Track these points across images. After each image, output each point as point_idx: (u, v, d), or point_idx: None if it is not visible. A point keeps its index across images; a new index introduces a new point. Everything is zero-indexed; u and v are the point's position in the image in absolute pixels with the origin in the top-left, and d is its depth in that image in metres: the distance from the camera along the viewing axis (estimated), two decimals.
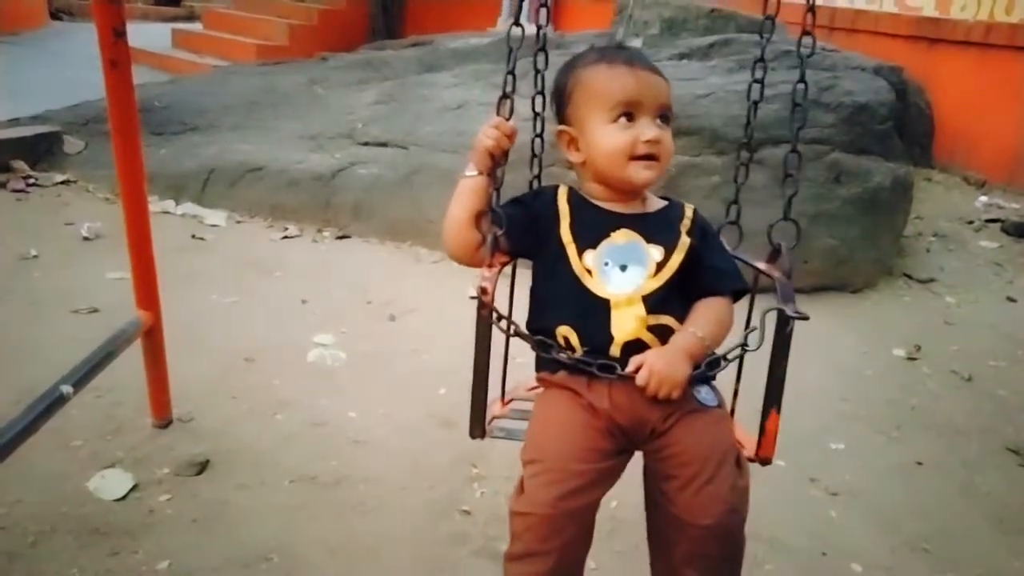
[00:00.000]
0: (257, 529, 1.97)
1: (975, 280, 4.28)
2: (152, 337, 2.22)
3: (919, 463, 2.55)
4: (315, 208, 4.28)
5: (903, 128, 4.78)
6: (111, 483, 2.08)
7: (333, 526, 2.01)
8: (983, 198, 5.67)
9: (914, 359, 3.30)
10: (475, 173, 1.20)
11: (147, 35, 8.57)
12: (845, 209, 3.86)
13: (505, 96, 1.17)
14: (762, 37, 1.28)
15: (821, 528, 2.19)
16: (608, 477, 1.14)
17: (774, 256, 1.26)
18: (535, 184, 1.36)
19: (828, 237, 3.81)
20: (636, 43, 5.42)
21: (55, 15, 11.06)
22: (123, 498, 2.04)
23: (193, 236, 3.97)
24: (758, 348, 1.20)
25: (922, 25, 6.35)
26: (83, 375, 1.88)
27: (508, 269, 1.33)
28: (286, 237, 4.12)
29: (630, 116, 1.16)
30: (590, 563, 1.93)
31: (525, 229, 1.21)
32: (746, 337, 1.21)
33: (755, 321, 1.23)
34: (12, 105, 5.39)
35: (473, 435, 1.26)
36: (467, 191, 1.20)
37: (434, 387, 2.70)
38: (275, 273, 3.63)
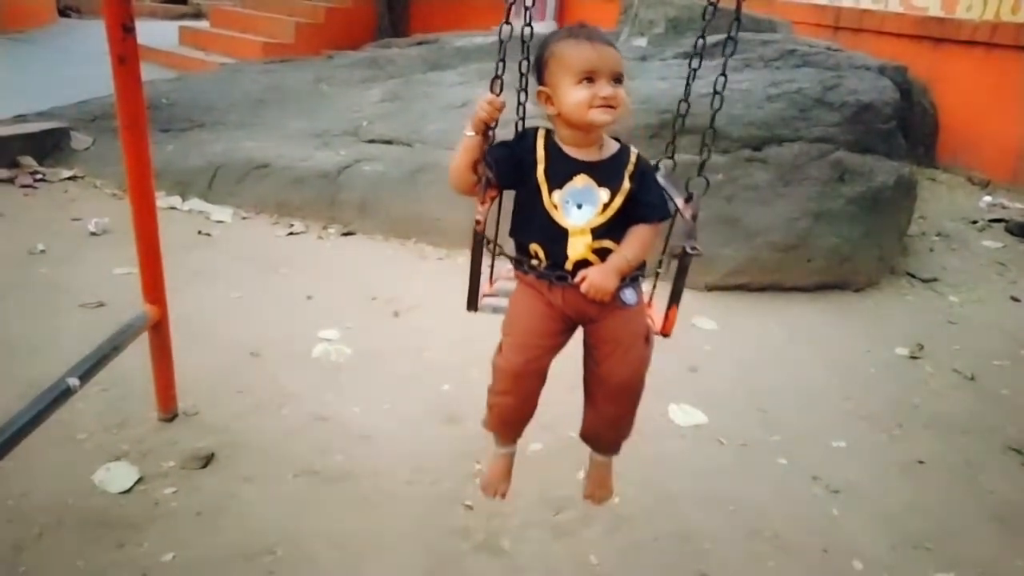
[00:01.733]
0: (262, 522, 1.99)
1: (978, 280, 4.27)
2: (158, 331, 2.24)
3: (921, 462, 2.55)
4: (320, 205, 4.29)
5: (907, 127, 4.77)
6: (117, 476, 2.10)
7: (337, 519, 2.03)
8: (987, 198, 5.67)
9: (917, 358, 3.30)
10: (472, 134, 1.54)
11: (154, 33, 8.60)
12: (849, 208, 3.87)
13: (497, 77, 1.51)
14: (704, 18, 1.57)
15: (823, 526, 2.20)
16: (558, 347, 1.62)
17: (688, 200, 1.63)
18: (520, 126, 1.66)
19: (831, 236, 3.81)
20: (641, 42, 5.42)
21: (63, 12, 11.08)
22: (128, 491, 2.06)
23: (199, 232, 3.99)
24: (665, 271, 1.70)
25: (927, 25, 6.34)
26: (89, 368, 1.89)
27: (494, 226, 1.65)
28: (292, 233, 4.14)
29: (590, 79, 1.48)
30: (591, 558, 1.97)
31: (510, 169, 1.56)
32: (660, 262, 1.74)
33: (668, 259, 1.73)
34: (20, 101, 5.41)
35: (469, 309, 1.71)
36: (466, 147, 1.55)
37: (438, 383, 2.72)
38: (280, 269, 3.65)
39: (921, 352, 3.34)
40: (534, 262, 1.58)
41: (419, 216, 4.12)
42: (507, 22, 1.47)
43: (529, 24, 1.55)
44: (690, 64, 1.63)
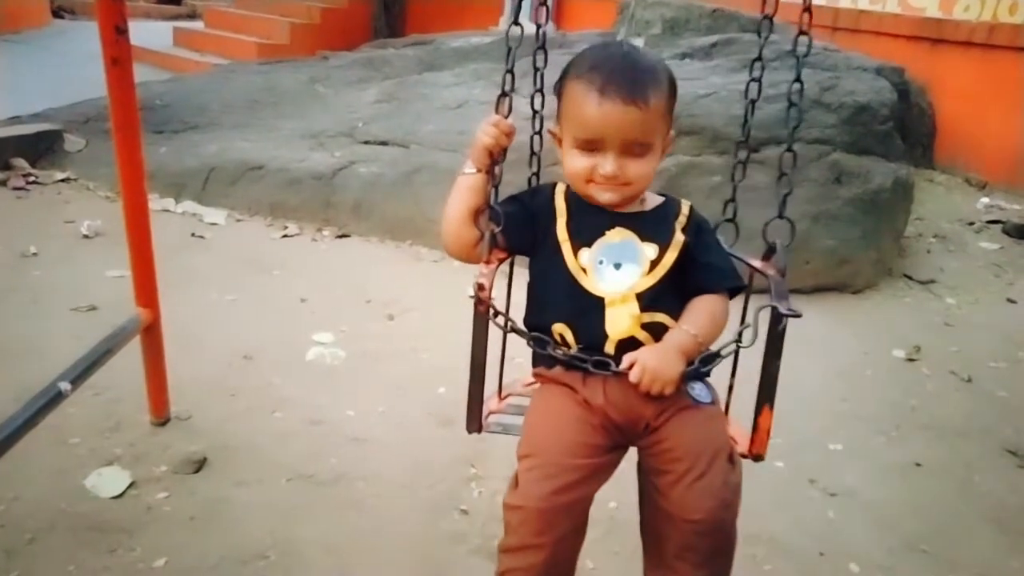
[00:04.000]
0: (254, 527, 1.97)
1: (975, 281, 4.27)
2: (151, 335, 2.22)
3: (918, 464, 2.54)
4: (315, 207, 4.28)
5: (904, 129, 4.77)
6: (109, 480, 2.08)
7: (331, 524, 2.01)
8: (984, 199, 5.67)
9: (914, 360, 3.30)
10: (473, 170, 1.19)
11: (148, 33, 8.57)
12: (846, 210, 3.86)
13: (504, 94, 1.17)
14: (760, 36, 1.30)
15: (820, 528, 2.19)
16: (602, 472, 1.13)
17: (769, 254, 1.27)
18: (534, 181, 1.35)
19: (828, 238, 3.80)
20: (638, 43, 5.42)
21: (57, 13, 11.06)
22: (120, 495, 2.04)
23: (193, 234, 3.97)
24: (751, 345, 1.20)
25: (925, 26, 6.34)
26: (81, 372, 1.87)
27: (506, 266, 1.32)
28: (286, 236, 4.12)
29: (593, 147, 1.15)
30: (587, 563, 1.94)
31: (522, 226, 1.20)
32: (740, 334, 1.20)
33: (749, 318, 1.24)
34: (13, 103, 5.39)
35: (470, 430, 1.26)
36: (465, 188, 1.19)
37: (433, 386, 2.70)
38: (274, 272, 3.63)
39: (918, 354, 3.33)
40: (561, 349, 1.15)
41: (414, 218, 4.10)
42: (516, 22, 1.15)
43: (543, 47, 1.21)
44: (751, 76, 1.33)
